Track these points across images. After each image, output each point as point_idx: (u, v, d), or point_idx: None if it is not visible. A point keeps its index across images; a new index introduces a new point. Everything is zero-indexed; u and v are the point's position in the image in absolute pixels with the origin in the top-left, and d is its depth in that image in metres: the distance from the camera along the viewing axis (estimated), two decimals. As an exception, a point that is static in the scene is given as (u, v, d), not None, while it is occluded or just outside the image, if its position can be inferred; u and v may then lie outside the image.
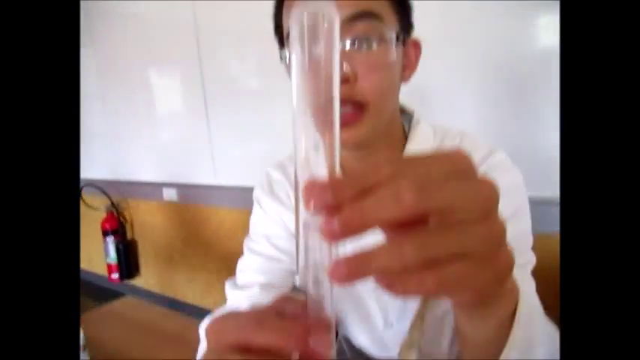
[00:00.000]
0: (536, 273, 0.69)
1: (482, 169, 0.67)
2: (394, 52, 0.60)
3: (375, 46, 0.57)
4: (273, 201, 0.79)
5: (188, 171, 2.34)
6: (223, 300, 2.62)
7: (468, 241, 0.24)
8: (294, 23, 0.26)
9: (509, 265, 0.27)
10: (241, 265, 0.78)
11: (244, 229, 2.18)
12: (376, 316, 0.75)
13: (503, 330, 0.38)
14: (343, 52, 0.55)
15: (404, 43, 0.64)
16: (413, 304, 0.70)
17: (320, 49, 0.26)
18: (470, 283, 0.24)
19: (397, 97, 0.68)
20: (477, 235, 0.24)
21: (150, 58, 2.39)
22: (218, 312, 0.70)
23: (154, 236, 2.69)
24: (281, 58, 0.64)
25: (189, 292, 2.57)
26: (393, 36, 0.59)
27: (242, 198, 2.16)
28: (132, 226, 2.81)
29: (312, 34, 0.26)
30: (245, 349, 0.30)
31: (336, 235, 0.24)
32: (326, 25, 0.25)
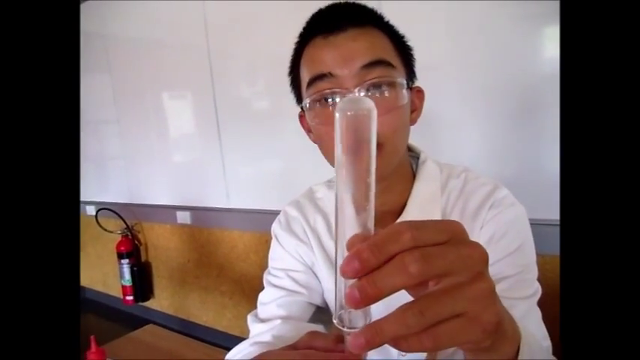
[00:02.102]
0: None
1: (488, 204, 0.71)
2: (405, 96, 0.65)
3: (386, 92, 0.63)
4: (291, 237, 0.83)
5: (201, 194, 2.38)
6: (236, 322, 2.60)
7: (460, 302, 0.29)
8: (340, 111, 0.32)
9: (495, 321, 0.31)
10: (262, 298, 0.82)
11: (256, 252, 2.22)
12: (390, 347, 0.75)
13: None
14: None
15: (410, 89, 0.69)
16: None
17: (360, 134, 0.32)
18: (461, 338, 0.30)
19: (408, 137, 0.73)
20: (468, 297, 0.29)
21: (163, 82, 2.45)
22: (243, 347, 0.72)
23: (168, 259, 2.71)
24: (300, 114, 0.70)
25: (202, 313, 2.58)
26: (404, 81, 0.64)
27: (254, 221, 2.19)
28: (146, 248, 2.84)
29: (354, 122, 0.31)
30: None
31: (357, 302, 0.29)
32: (365, 113, 0.31)
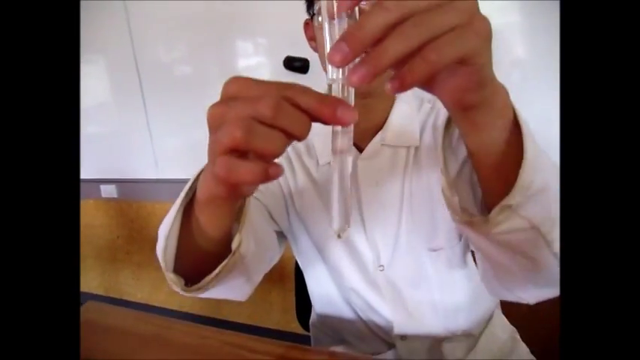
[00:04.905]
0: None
1: None
2: None
3: None
4: None
5: (127, 166, 2.23)
6: (174, 296, 2.50)
7: (450, 13, 0.30)
8: None
9: (487, 26, 0.32)
10: None
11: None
12: (368, 259, 0.81)
13: (510, 146, 0.42)
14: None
15: None
16: (403, 250, 0.78)
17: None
18: (460, 47, 0.31)
19: None
20: (457, 9, 0.30)
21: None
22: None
23: (94, 237, 2.55)
24: (312, 14, 0.72)
25: (136, 291, 2.48)
26: None
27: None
28: (67, 227, 2.65)
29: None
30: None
31: (362, 76, 0.29)
32: None
